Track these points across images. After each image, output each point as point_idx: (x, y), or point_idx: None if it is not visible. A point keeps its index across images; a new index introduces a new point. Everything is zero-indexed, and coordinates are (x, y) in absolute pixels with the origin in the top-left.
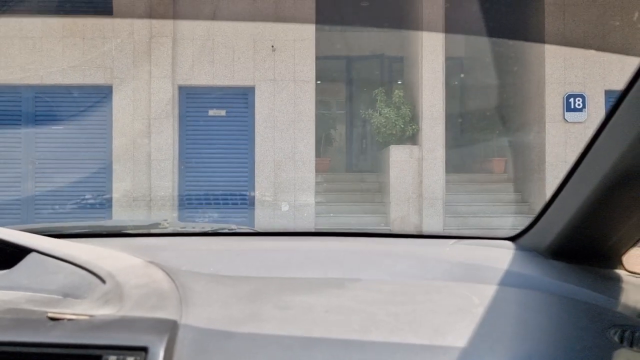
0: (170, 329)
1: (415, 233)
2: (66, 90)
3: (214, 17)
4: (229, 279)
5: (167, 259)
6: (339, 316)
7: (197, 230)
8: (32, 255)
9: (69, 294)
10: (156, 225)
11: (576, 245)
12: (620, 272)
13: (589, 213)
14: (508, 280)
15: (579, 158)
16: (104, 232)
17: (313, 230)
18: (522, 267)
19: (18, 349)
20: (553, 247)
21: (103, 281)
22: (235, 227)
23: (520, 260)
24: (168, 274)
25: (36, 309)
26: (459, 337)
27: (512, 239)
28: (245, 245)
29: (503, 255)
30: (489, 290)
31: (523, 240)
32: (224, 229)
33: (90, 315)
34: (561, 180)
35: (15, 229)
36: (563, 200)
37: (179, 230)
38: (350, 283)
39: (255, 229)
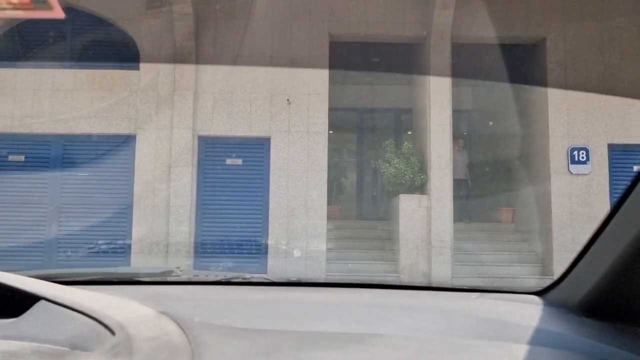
0: None
1: (433, 285)
2: (92, 138)
3: (233, 73)
4: (244, 331)
5: (179, 309)
6: None
7: (210, 278)
8: (41, 303)
9: (77, 346)
10: (169, 272)
11: (609, 302)
12: None
13: (622, 269)
14: (539, 339)
15: (612, 211)
16: (116, 279)
17: (327, 281)
18: (553, 325)
19: None
20: (584, 304)
21: (113, 333)
22: (248, 276)
23: (550, 317)
24: (180, 326)
25: None
26: None
27: (538, 293)
28: (260, 295)
29: (531, 311)
30: (520, 350)
31: (551, 295)
32: (238, 277)
33: None
34: (592, 234)
35: (25, 275)
36: (595, 255)
37: (192, 278)
38: (371, 339)
39: (269, 278)
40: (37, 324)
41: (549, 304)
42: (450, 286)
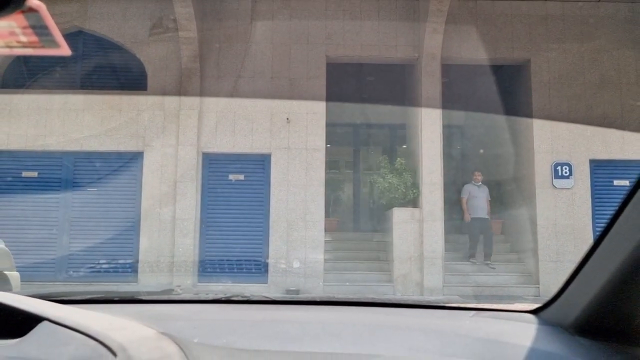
0: None
1: (430, 303)
2: (102, 156)
3: (235, 93)
4: (243, 352)
5: (179, 329)
6: None
7: (210, 297)
8: (44, 323)
9: None
10: (170, 291)
11: (603, 322)
12: None
13: (616, 288)
14: (532, 359)
15: (605, 230)
16: (117, 298)
17: (325, 299)
18: (546, 344)
19: None
20: (579, 323)
21: (114, 354)
22: (248, 295)
23: (544, 336)
24: (181, 348)
25: None
26: None
27: (534, 311)
28: (260, 315)
29: (526, 330)
30: None
31: (546, 313)
32: (238, 296)
33: None
34: (586, 251)
35: (28, 294)
36: (589, 273)
37: (193, 297)
38: (368, 359)
39: (268, 296)
40: (40, 344)
41: (543, 322)
42: (447, 304)
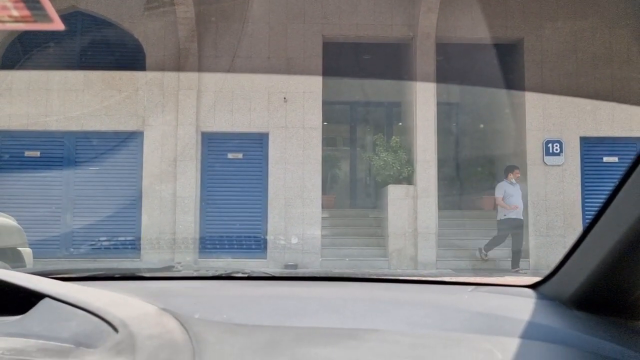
0: None
1: (428, 279)
2: (103, 135)
3: (233, 73)
4: (243, 327)
5: (180, 305)
6: None
7: (210, 273)
8: (45, 300)
9: (81, 343)
10: (170, 268)
11: (601, 296)
12: None
13: (614, 262)
14: (531, 333)
15: (604, 205)
16: (118, 275)
17: (325, 275)
18: (544, 318)
19: None
20: (576, 297)
21: (116, 330)
22: (248, 271)
23: (542, 310)
24: (182, 324)
25: (48, 359)
26: None
27: (532, 286)
28: (259, 290)
29: (524, 304)
30: (512, 344)
31: (544, 288)
32: (238, 272)
33: None
34: (584, 227)
35: (29, 272)
36: (587, 248)
37: (193, 273)
38: (367, 334)
39: (268, 272)
40: (42, 321)
41: (542, 297)
42: (446, 279)
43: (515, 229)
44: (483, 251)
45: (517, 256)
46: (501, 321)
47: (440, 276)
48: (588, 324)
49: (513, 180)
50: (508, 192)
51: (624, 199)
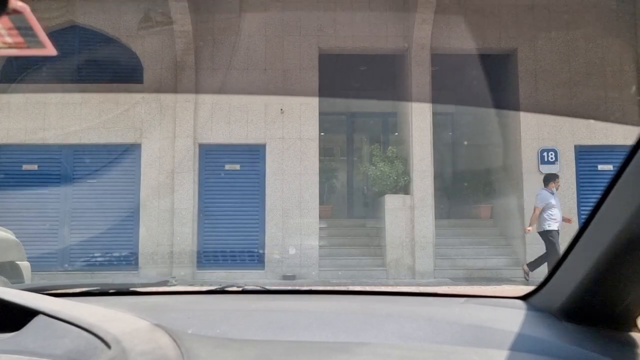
0: None
1: (420, 291)
2: (101, 149)
3: (230, 85)
4: (235, 342)
5: (173, 320)
6: None
7: (204, 288)
8: (39, 317)
9: (74, 359)
10: (164, 282)
11: (588, 307)
12: (634, 335)
13: (599, 275)
14: (520, 345)
15: (588, 219)
16: (112, 291)
17: (318, 288)
18: (534, 330)
19: None
20: (565, 308)
21: (108, 346)
22: (242, 285)
23: (532, 321)
24: (174, 339)
25: None
26: None
27: (523, 297)
28: (253, 304)
29: (514, 316)
30: (501, 356)
31: (534, 299)
32: (232, 286)
33: None
34: (571, 240)
35: (23, 288)
36: (573, 261)
37: (187, 288)
38: (358, 347)
39: (262, 286)
40: (35, 338)
41: (532, 308)
42: (437, 292)
43: (557, 240)
44: (526, 269)
45: (538, 266)
46: (491, 333)
47: (437, 286)
48: (577, 335)
49: (554, 190)
50: (551, 203)
51: (610, 208)
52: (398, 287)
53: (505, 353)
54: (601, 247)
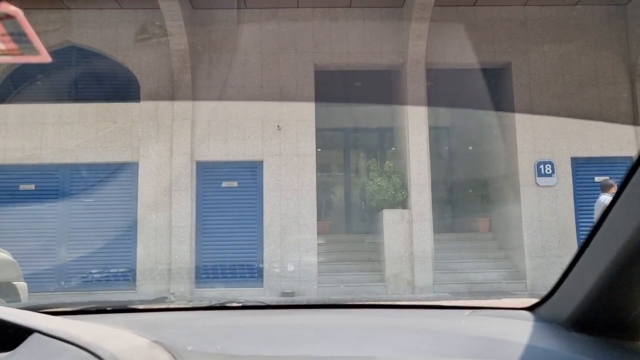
0: None
1: (425, 303)
2: (98, 167)
3: (226, 103)
4: (237, 359)
5: (173, 337)
6: None
7: (204, 304)
8: (35, 335)
9: None
10: (163, 299)
11: (598, 316)
12: None
13: (607, 284)
14: (529, 356)
15: (597, 225)
16: (109, 308)
17: (320, 302)
18: (542, 341)
19: None
20: (574, 318)
21: None
22: (243, 301)
23: (540, 333)
24: (174, 356)
25: None
26: None
27: (530, 308)
28: (254, 320)
29: (522, 327)
30: None
31: (541, 310)
32: (232, 302)
33: None
34: (578, 248)
35: (18, 307)
36: (582, 268)
37: (187, 304)
38: None
39: (263, 301)
40: (31, 357)
41: (539, 319)
42: (442, 304)
43: None
44: None
45: None
46: (499, 345)
47: (438, 300)
48: (586, 346)
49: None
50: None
51: (616, 217)
52: (406, 300)
53: None
54: (609, 256)
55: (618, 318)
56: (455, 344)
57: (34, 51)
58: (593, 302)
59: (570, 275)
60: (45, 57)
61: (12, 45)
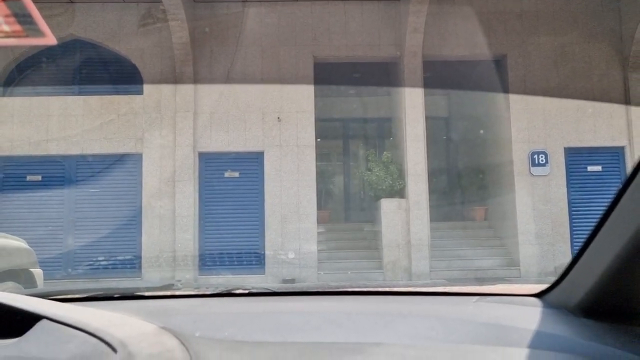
0: None
1: (432, 290)
2: (102, 158)
3: (228, 94)
4: (244, 345)
5: (180, 324)
6: None
7: (210, 291)
8: (43, 322)
9: None
10: (170, 286)
11: (608, 302)
12: None
13: (620, 268)
14: (538, 342)
15: (607, 212)
16: (117, 295)
17: (326, 289)
18: (551, 327)
19: None
20: (583, 305)
21: (114, 350)
22: (249, 287)
23: (549, 319)
24: (182, 342)
25: None
26: None
27: (538, 295)
28: (261, 307)
29: (530, 313)
30: (520, 355)
31: (550, 296)
32: (238, 289)
33: None
34: (588, 234)
35: (26, 294)
36: (592, 255)
37: (193, 291)
38: (371, 348)
39: (269, 288)
40: (39, 343)
41: (548, 306)
42: (448, 290)
43: None
44: None
45: None
46: (508, 331)
47: (438, 286)
48: (596, 332)
49: None
50: None
51: (627, 205)
52: (408, 287)
53: (524, 351)
54: (619, 243)
55: (627, 304)
56: (464, 331)
57: (39, 33)
58: (602, 289)
59: (580, 261)
60: (50, 39)
61: (17, 27)
